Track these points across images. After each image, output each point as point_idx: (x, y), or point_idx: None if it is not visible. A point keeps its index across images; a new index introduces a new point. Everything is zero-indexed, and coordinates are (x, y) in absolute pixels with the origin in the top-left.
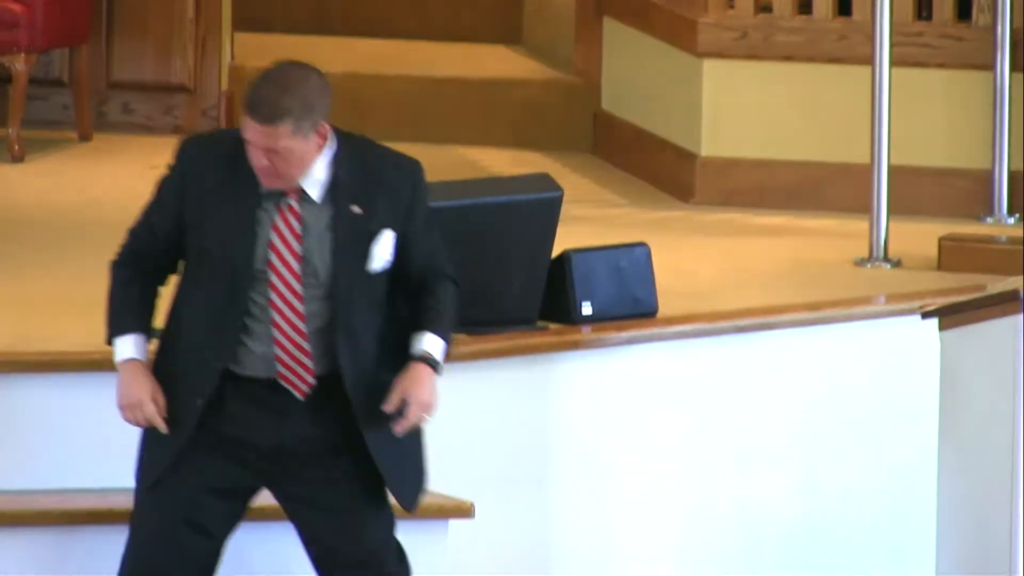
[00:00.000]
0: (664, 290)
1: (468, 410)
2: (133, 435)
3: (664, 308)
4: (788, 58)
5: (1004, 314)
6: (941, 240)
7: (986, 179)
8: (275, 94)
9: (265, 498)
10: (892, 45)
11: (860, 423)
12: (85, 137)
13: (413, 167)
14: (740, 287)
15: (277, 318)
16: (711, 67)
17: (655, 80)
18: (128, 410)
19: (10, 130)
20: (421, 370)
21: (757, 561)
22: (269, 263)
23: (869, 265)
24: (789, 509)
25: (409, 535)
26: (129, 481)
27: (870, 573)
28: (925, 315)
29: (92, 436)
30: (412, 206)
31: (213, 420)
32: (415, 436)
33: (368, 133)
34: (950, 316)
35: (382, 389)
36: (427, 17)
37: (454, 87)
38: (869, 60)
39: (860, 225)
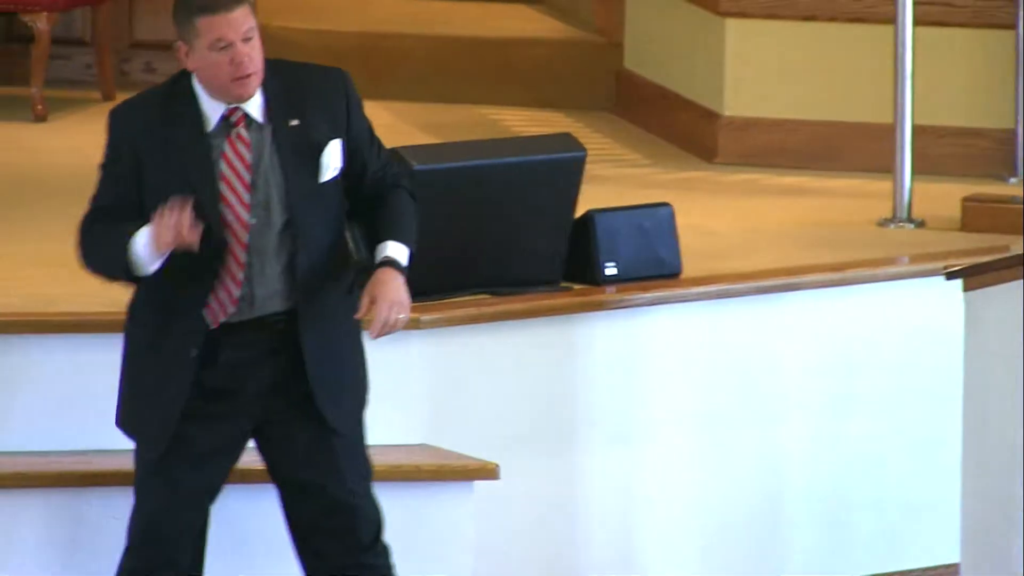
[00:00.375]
0: (687, 250)
1: (492, 371)
2: None
3: (688, 269)
4: (811, 17)
5: None
6: (964, 200)
7: (1009, 139)
8: None
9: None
10: (914, 4)
11: (884, 383)
12: (108, 96)
13: (340, 75)
14: (763, 248)
15: (230, 243)
16: (733, 26)
17: (677, 39)
18: (170, 228)
19: (33, 89)
20: (387, 272)
21: (781, 522)
22: (221, 195)
23: (892, 226)
24: (812, 469)
25: (434, 496)
26: None
27: (894, 533)
28: (949, 276)
29: (113, 398)
30: (348, 114)
31: (207, 378)
32: (358, 364)
33: (388, 93)
34: (974, 276)
35: (333, 314)
36: None
37: (475, 46)
38: (892, 19)
39: (883, 185)
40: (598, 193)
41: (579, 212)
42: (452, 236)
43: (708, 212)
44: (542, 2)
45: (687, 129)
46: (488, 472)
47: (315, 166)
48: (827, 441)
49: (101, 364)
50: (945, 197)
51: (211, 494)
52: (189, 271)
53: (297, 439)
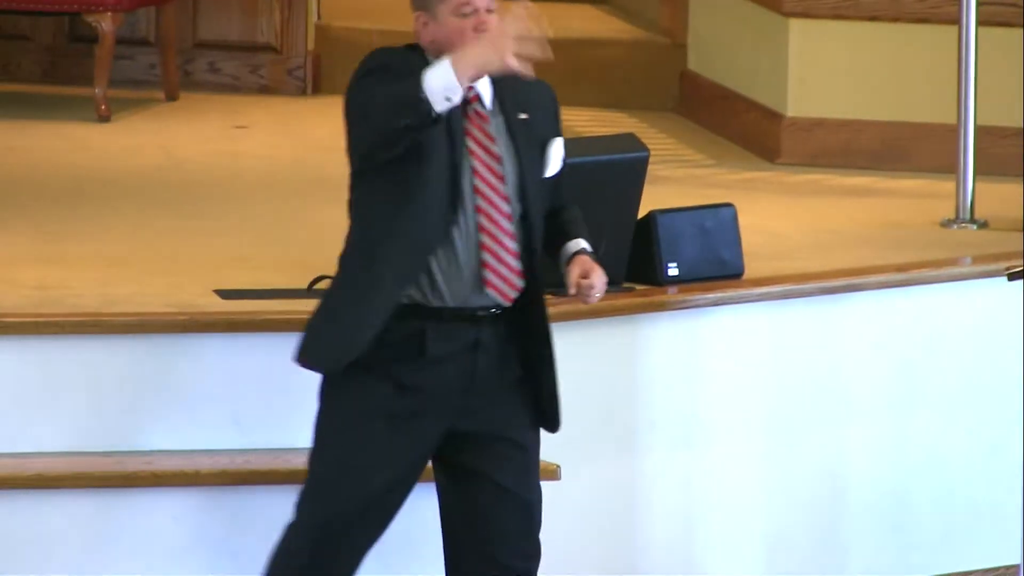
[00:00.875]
0: (750, 251)
1: None
2: (215, 398)
3: (750, 269)
4: (874, 18)
5: None
6: None
7: None
8: None
9: None
10: (979, 4)
11: (946, 384)
12: (172, 97)
13: (550, 87)
14: (826, 248)
15: (485, 222)
16: (797, 26)
17: (741, 39)
18: (503, 36)
19: (97, 90)
20: (588, 258)
21: (843, 523)
22: (473, 170)
23: (955, 226)
24: (875, 470)
25: None
26: (218, 443)
27: (955, 534)
28: (1011, 276)
29: (177, 398)
30: (557, 123)
31: (408, 373)
32: None
33: None
34: None
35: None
36: None
37: None
38: (956, 19)
39: (946, 186)
40: (661, 193)
41: (642, 212)
42: None
43: (771, 213)
44: (607, 3)
45: (750, 130)
46: (549, 473)
47: (542, 160)
48: (889, 442)
49: (164, 366)
50: (1008, 198)
51: (396, 501)
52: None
53: (499, 436)
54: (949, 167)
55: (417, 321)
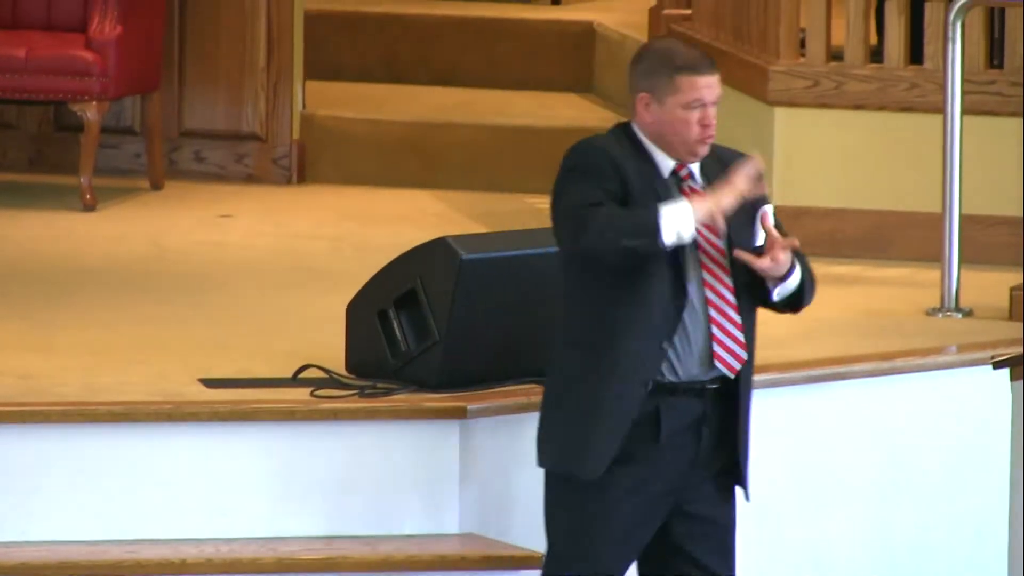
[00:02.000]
0: None
1: (532, 461)
2: (200, 487)
3: None
4: (859, 106)
5: None
6: (1012, 290)
7: None
8: (695, 49)
9: None
10: (963, 93)
11: (931, 473)
12: (157, 185)
13: (747, 156)
14: (812, 336)
15: (712, 296)
16: (782, 115)
17: (726, 128)
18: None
19: (82, 179)
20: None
21: None
22: (698, 246)
23: (940, 315)
24: (860, 558)
25: None
26: (204, 532)
27: None
28: (997, 365)
29: (162, 486)
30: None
31: (648, 452)
32: None
33: (438, 182)
34: (1021, 366)
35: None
36: (497, 65)
37: (525, 135)
38: (940, 108)
39: (932, 274)
40: None
41: None
42: (500, 325)
43: None
44: (592, 91)
45: None
46: (534, 561)
47: (751, 230)
48: (874, 530)
49: (151, 452)
50: (994, 286)
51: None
52: (658, 326)
53: (704, 516)
54: (934, 255)
55: (651, 400)
